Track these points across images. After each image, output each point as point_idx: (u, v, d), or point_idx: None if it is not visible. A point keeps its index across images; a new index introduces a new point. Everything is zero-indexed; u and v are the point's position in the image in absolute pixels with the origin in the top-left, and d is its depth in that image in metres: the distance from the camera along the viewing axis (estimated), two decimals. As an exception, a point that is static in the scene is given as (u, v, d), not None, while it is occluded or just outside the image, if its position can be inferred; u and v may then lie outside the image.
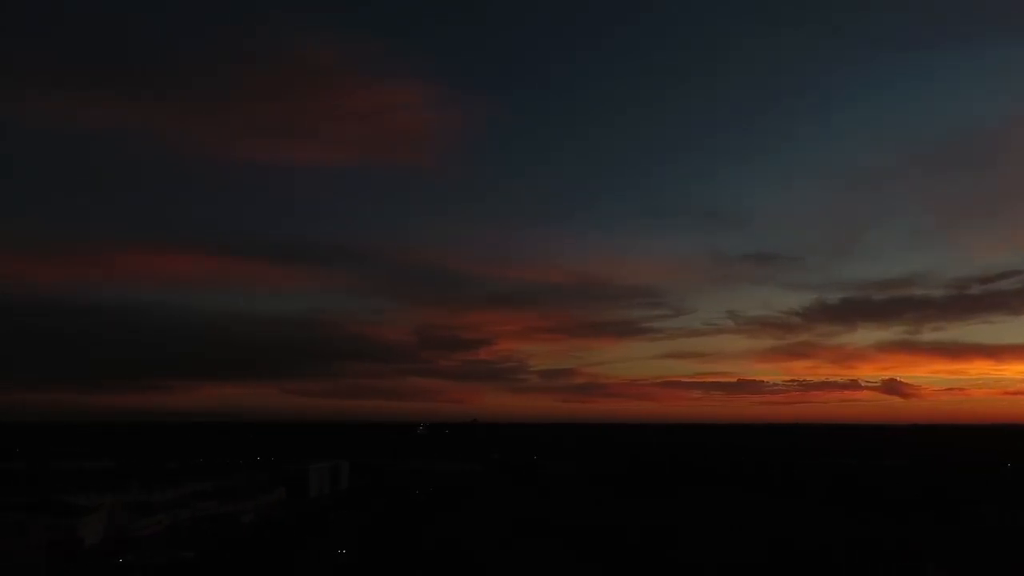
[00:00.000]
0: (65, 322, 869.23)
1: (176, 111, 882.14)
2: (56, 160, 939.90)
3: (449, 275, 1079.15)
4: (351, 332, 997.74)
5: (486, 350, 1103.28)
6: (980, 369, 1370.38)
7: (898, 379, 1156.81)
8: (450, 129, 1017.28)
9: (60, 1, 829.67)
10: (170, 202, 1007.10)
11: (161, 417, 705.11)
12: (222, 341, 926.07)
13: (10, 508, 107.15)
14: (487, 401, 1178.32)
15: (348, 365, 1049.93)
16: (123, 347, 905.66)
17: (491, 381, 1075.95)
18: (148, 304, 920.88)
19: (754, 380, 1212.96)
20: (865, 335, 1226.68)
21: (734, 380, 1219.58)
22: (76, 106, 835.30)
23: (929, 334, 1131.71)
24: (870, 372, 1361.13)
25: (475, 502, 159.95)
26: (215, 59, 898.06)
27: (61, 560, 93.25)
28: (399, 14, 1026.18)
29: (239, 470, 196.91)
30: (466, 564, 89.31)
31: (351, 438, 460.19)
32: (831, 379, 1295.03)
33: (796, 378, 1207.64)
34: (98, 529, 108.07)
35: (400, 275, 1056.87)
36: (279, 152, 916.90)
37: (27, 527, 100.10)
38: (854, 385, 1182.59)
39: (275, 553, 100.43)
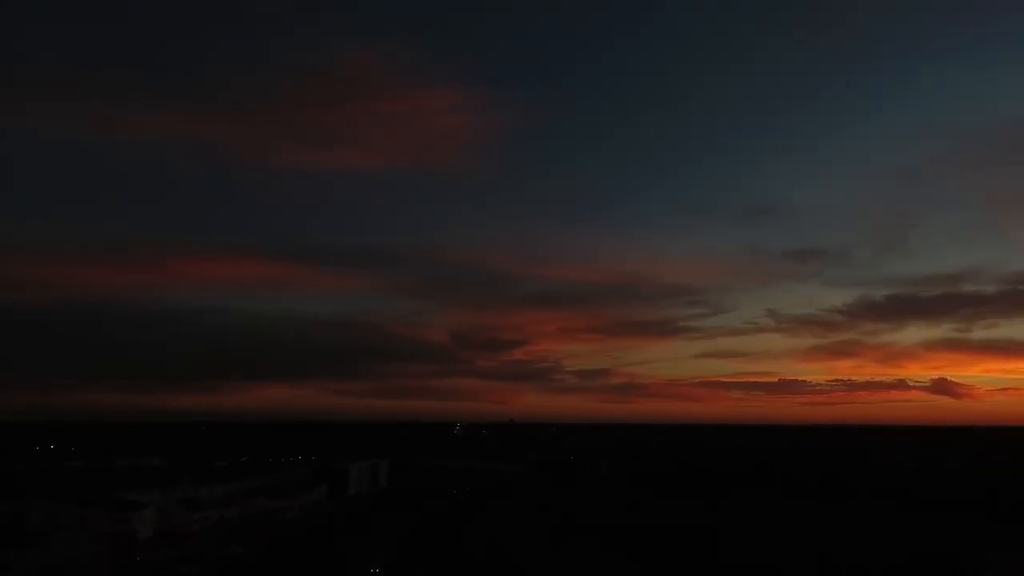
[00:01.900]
0: (119, 326, 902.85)
1: (223, 121, 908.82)
2: (109, 170, 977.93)
3: (487, 276, 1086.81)
4: (392, 333, 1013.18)
5: (523, 350, 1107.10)
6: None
7: (948, 379, 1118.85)
8: (487, 130, 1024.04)
9: (116, 20, 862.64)
10: (219, 209, 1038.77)
11: (210, 416, 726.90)
12: (268, 343, 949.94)
13: (71, 503, 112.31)
14: (524, 401, 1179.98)
15: (388, 366, 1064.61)
16: (173, 349, 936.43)
17: (528, 381, 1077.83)
18: (198, 308, 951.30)
19: (796, 380, 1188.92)
20: (913, 333, 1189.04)
21: (775, 380, 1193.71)
22: (130, 118, 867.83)
23: (981, 332, 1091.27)
24: (918, 371, 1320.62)
25: (514, 502, 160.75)
26: (257, 69, 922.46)
27: (117, 552, 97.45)
28: (433, 19, 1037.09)
29: (283, 468, 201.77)
30: (505, 564, 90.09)
31: (391, 438, 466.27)
32: (877, 379, 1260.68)
33: (840, 378, 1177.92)
34: (151, 523, 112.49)
35: (439, 276, 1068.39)
36: (321, 157, 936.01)
37: (86, 521, 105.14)
38: (902, 385, 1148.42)
39: (319, 550, 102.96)
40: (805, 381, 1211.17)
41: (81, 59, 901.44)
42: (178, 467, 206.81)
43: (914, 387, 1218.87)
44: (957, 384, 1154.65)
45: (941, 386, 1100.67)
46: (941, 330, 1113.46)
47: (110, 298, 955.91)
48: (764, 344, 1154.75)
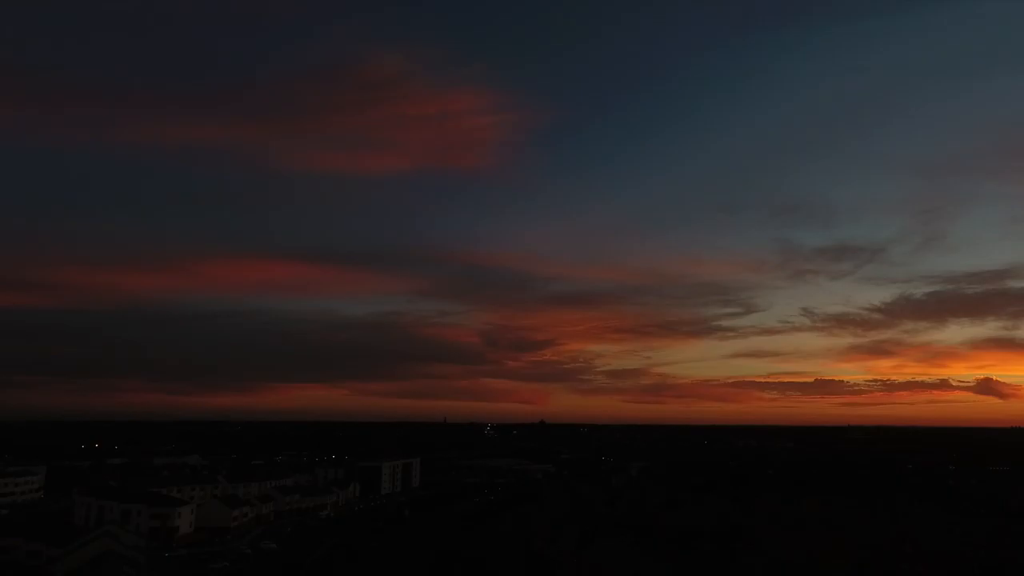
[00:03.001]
0: (157, 329, 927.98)
1: (253, 127, 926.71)
2: (145, 177, 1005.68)
3: (516, 276, 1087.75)
4: (422, 334, 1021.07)
5: (552, 350, 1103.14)
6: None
7: (994, 378, 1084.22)
8: (515, 131, 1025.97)
9: (146, 29, 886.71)
10: (252, 214, 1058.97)
11: (246, 416, 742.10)
12: (301, 345, 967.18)
13: (114, 499, 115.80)
14: (555, 402, 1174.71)
15: (419, 367, 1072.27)
16: (210, 351, 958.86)
17: (558, 381, 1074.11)
18: (233, 311, 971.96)
19: (833, 380, 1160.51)
20: (956, 331, 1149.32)
21: (811, 380, 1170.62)
22: (164, 127, 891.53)
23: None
24: (962, 371, 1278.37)
25: (544, 501, 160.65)
26: (285, 75, 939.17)
27: (159, 546, 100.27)
28: (458, 22, 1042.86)
29: (317, 467, 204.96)
30: (536, 563, 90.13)
31: (422, 438, 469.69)
32: (919, 378, 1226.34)
33: (880, 377, 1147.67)
34: (191, 519, 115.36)
35: (467, 277, 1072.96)
36: (350, 161, 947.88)
37: (129, 516, 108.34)
38: (944, 385, 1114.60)
39: (352, 549, 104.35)
40: (842, 381, 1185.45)
41: (115, 68, 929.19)
42: (215, 466, 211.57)
43: (958, 387, 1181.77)
44: (1004, 384, 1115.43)
45: (987, 386, 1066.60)
46: (986, 328, 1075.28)
47: (149, 302, 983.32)
48: (799, 343, 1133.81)
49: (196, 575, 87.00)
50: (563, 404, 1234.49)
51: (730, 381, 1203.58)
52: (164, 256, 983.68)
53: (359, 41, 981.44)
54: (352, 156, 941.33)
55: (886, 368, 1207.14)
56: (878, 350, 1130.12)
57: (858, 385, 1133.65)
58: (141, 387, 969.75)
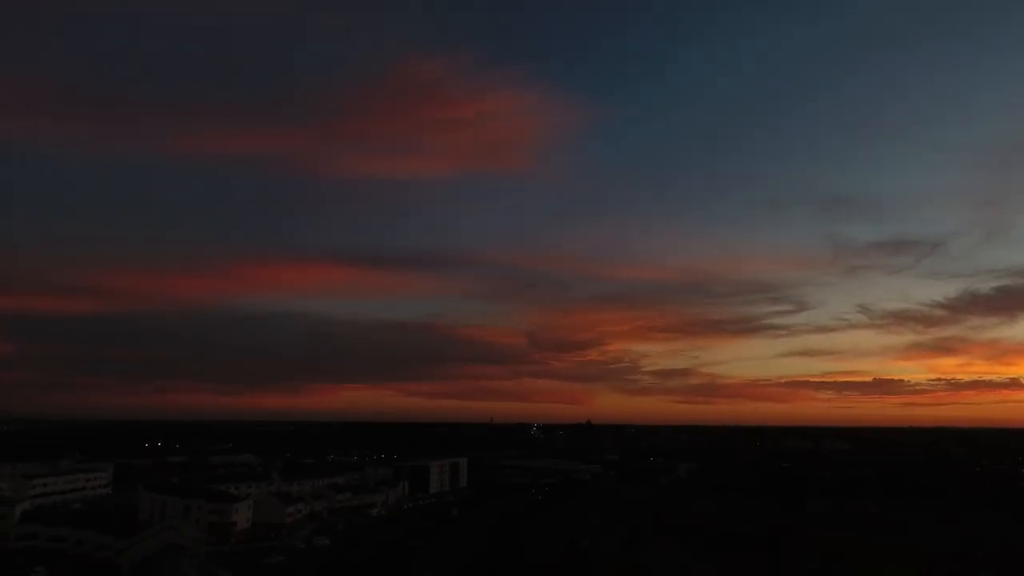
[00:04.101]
0: (210, 332, 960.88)
1: (297, 135, 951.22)
2: (198, 185, 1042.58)
3: (559, 277, 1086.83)
4: (465, 335, 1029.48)
5: (597, 351, 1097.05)
6: None
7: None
8: (557, 133, 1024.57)
9: (189, 43, 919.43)
10: (298, 219, 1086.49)
11: (296, 416, 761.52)
12: (348, 346, 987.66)
13: (175, 495, 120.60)
14: (600, 402, 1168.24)
15: (463, 367, 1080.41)
16: (260, 353, 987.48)
17: (603, 382, 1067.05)
18: (281, 314, 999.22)
19: (893, 379, 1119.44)
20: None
21: (869, 380, 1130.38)
22: (210, 137, 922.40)
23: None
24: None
25: (591, 502, 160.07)
26: (329, 84, 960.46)
27: (217, 540, 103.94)
28: (496, 25, 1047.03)
29: (367, 466, 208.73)
30: (582, 563, 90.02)
31: (468, 438, 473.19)
32: (986, 377, 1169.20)
33: (943, 376, 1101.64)
34: (247, 515, 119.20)
35: (511, 278, 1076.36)
36: (392, 166, 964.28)
37: (191, 511, 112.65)
38: (1014, 384, 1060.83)
39: (402, 546, 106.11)
40: (903, 380, 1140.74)
41: (164, 82, 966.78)
42: (269, 464, 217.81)
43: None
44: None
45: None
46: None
47: (201, 306, 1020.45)
48: (855, 341, 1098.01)
49: (253, 569, 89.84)
50: (609, 404, 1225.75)
51: (782, 381, 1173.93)
52: (215, 261, 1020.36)
53: (399, 47, 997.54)
54: (394, 160, 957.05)
55: (950, 367, 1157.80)
56: (941, 348, 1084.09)
57: (920, 384, 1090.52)
58: (195, 388, 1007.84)
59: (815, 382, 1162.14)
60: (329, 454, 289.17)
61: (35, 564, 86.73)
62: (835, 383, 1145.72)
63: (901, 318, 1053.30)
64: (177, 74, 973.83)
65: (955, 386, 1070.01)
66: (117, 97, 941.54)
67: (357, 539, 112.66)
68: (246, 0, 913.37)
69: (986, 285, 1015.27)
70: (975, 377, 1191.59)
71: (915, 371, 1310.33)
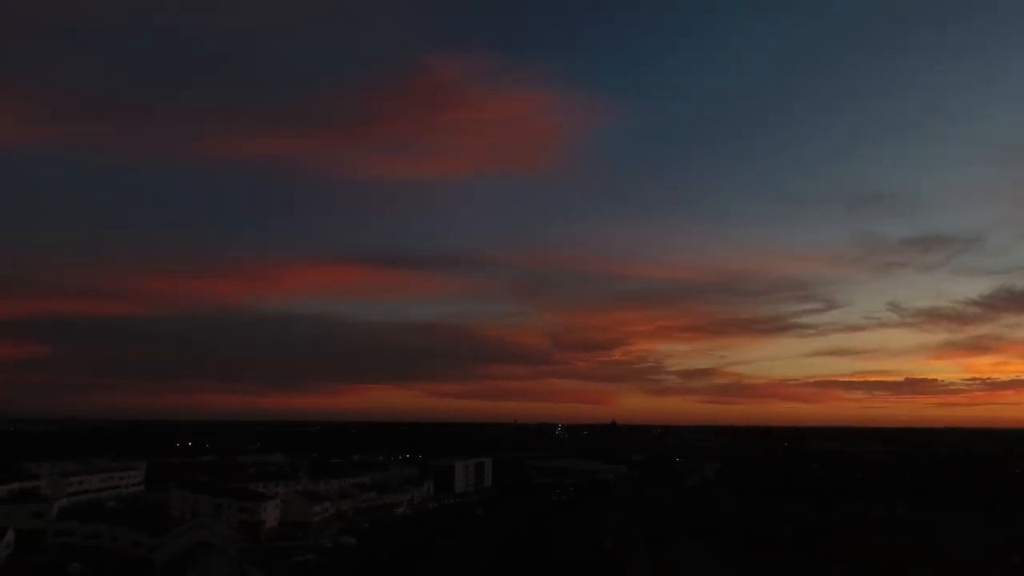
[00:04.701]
0: (236, 333, 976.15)
1: (318, 137, 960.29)
2: (221, 189, 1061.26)
3: (582, 276, 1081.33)
4: (490, 336, 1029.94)
5: (621, 350, 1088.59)
6: None
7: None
8: (577, 131, 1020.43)
9: (216, 49, 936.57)
10: (320, 221, 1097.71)
11: (321, 416, 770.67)
12: (371, 347, 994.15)
13: (207, 493, 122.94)
14: (625, 402, 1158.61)
15: (487, 368, 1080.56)
16: (284, 354, 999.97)
17: (628, 382, 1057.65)
18: (304, 315, 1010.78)
19: (926, 379, 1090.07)
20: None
21: (901, 379, 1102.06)
22: (231, 140, 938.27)
23: None
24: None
25: (616, 502, 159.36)
26: (351, 87, 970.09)
27: (247, 538, 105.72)
28: (515, 24, 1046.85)
29: (392, 466, 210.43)
30: (608, 563, 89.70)
31: (492, 438, 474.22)
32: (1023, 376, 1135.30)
33: (979, 376, 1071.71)
34: (276, 514, 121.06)
35: (533, 278, 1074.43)
36: (415, 167, 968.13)
37: (221, 509, 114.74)
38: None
39: (428, 545, 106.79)
40: (936, 380, 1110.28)
41: (189, 87, 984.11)
42: (296, 463, 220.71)
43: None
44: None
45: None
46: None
47: (227, 307, 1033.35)
48: (887, 340, 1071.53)
49: (282, 567, 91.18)
50: (633, 405, 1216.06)
51: (810, 381, 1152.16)
52: (241, 263, 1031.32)
53: (420, 48, 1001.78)
54: (417, 161, 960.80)
55: (986, 366, 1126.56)
56: (976, 346, 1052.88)
57: (954, 384, 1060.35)
58: (225, 389, 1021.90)
59: (844, 382, 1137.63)
60: (355, 454, 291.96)
61: (72, 560, 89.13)
62: (865, 383, 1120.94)
63: (934, 316, 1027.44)
64: (198, 80, 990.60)
65: (991, 386, 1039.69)
66: (143, 104, 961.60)
67: (383, 538, 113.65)
68: (265, 6, 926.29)
69: (1022, 282, 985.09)
70: (1012, 376, 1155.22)
71: (949, 370, 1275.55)
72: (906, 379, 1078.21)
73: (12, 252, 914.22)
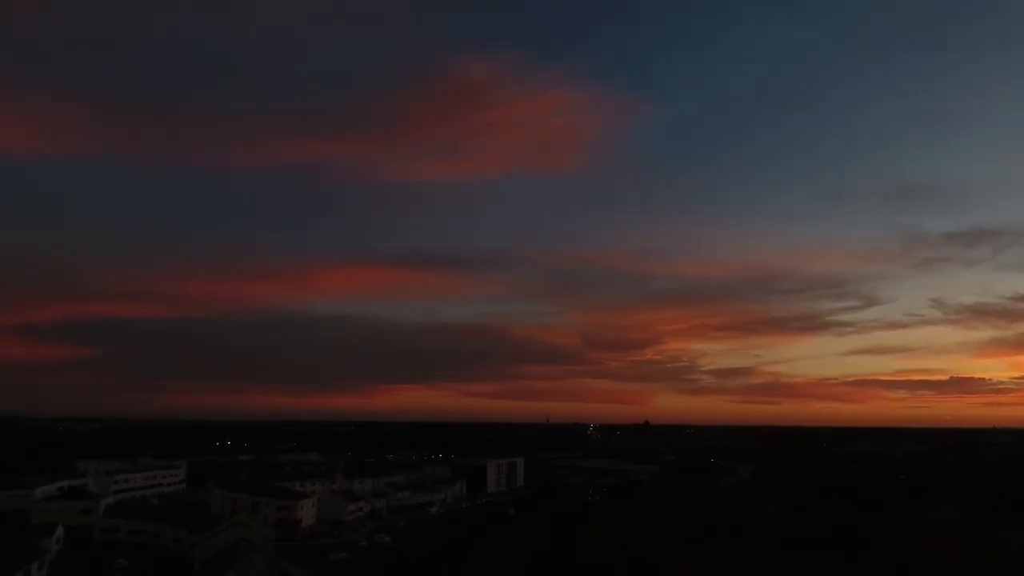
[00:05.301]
0: (272, 335, 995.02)
1: (352, 142, 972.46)
2: (257, 193, 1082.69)
3: (613, 275, 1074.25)
4: (520, 336, 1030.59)
5: (654, 350, 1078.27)
6: None
7: None
8: (608, 129, 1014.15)
9: (249, 56, 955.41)
10: (352, 224, 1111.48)
11: (356, 416, 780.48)
12: (404, 347, 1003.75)
13: (245, 492, 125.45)
14: (658, 402, 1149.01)
15: (518, 368, 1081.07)
16: (321, 355, 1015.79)
17: (661, 381, 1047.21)
18: (339, 316, 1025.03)
19: (972, 378, 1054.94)
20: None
21: (945, 378, 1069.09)
22: (278, 146, 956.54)
23: None
24: None
25: (649, 503, 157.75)
26: (380, 90, 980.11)
27: (284, 535, 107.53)
28: (540, 23, 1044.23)
29: (425, 466, 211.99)
30: (641, 565, 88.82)
31: (524, 438, 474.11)
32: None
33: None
34: (312, 512, 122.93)
35: (564, 277, 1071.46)
36: (445, 169, 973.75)
37: (259, 507, 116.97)
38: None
39: (461, 545, 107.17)
40: (983, 379, 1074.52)
41: (224, 93, 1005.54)
42: (332, 463, 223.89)
43: None
44: None
45: None
46: None
47: (264, 310, 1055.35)
48: (930, 338, 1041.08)
49: (318, 565, 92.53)
50: (667, 405, 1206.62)
51: (850, 380, 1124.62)
52: (277, 266, 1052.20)
53: (447, 50, 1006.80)
54: (447, 163, 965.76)
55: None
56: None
57: (1002, 383, 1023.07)
58: (262, 389, 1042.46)
59: (885, 381, 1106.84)
60: (389, 453, 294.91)
61: (118, 555, 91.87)
62: (908, 382, 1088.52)
63: (980, 313, 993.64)
64: (236, 86, 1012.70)
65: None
66: (178, 112, 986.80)
67: (417, 538, 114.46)
68: (296, 12, 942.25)
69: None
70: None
71: (997, 369, 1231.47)
72: (951, 378, 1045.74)
73: (56, 258, 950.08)
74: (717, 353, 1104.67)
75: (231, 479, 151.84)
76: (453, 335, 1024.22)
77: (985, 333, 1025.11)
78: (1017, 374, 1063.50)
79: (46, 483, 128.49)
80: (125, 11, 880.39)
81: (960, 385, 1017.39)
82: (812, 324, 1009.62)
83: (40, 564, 75.04)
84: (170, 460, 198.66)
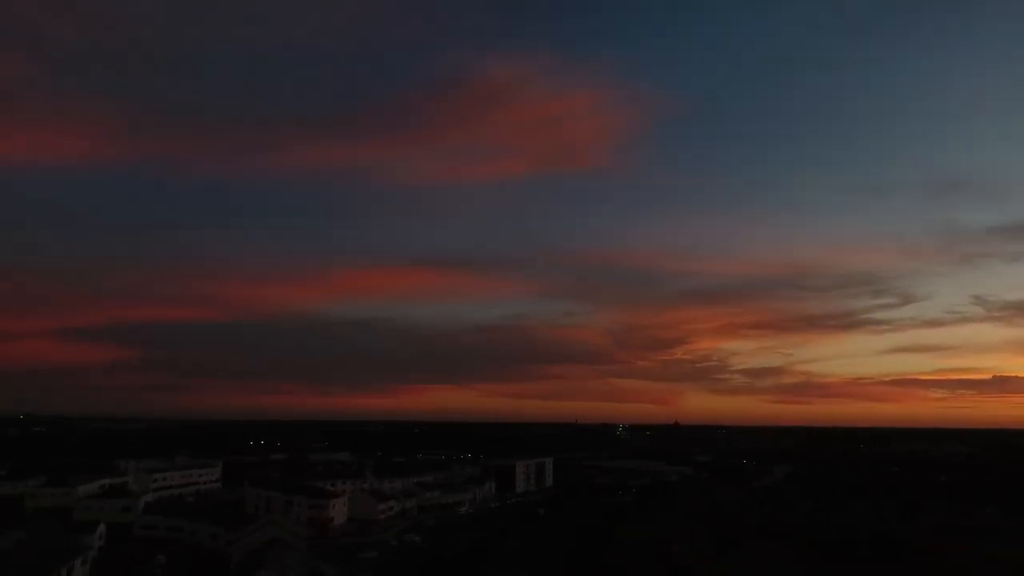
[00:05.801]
0: (307, 336, 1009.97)
1: (383, 145, 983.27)
2: (295, 197, 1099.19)
3: (642, 274, 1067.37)
4: (549, 336, 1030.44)
5: (683, 349, 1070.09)
6: None
7: None
8: (631, 127, 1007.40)
9: (274, 68, 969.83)
10: (381, 226, 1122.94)
11: (386, 416, 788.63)
12: (434, 348, 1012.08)
13: (279, 490, 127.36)
14: (688, 402, 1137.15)
15: (547, 368, 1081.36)
16: (351, 356, 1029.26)
17: (691, 381, 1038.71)
18: (369, 318, 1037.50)
19: (1016, 376, 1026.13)
20: None
21: (988, 377, 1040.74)
22: (321, 150, 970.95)
23: None
24: None
25: (681, 504, 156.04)
26: (407, 93, 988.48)
27: (316, 534, 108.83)
28: (564, 22, 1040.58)
29: (454, 465, 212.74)
30: (672, 567, 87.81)
31: (553, 438, 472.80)
32: None
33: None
34: (343, 511, 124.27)
35: (593, 277, 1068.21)
36: (473, 170, 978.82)
37: (292, 506, 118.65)
38: None
39: (491, 544, 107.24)
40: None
41: (258, 102, 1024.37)
42: (363, 462, 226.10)
43: None
44: None
45: None
46: None
47: (298, 312, 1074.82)
48: (971, 336, 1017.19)
49: (350, 563, 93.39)
50: (697, 404, 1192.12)
51: (887, 379, 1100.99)
52: (311, 269, 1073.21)
53: (472, 52, 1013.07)
54: (474, 164, 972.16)
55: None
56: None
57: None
58: (295, 390, 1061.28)
59: (925, 380, 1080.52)
60: (419, 453, 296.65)
61: (156, 552, 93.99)
62: (948, 381, 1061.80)
63: None
64: (269, 92, 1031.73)
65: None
66: (222, 120, 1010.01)
67: (447, 537, 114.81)
68: (324, 17, 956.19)
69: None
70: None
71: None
72: (994, 377, 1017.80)
73: (103, 263, 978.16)
74: (748, 352, 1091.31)
75: (265, 478, 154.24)
76: (481, 336, 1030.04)
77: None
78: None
79: (88, 481, 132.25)
80: (178, 26, 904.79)
81: (1003, 384, 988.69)
82: (847, 322, 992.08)
83: (84, 560, 77.09)
84: (205, 459, 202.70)
